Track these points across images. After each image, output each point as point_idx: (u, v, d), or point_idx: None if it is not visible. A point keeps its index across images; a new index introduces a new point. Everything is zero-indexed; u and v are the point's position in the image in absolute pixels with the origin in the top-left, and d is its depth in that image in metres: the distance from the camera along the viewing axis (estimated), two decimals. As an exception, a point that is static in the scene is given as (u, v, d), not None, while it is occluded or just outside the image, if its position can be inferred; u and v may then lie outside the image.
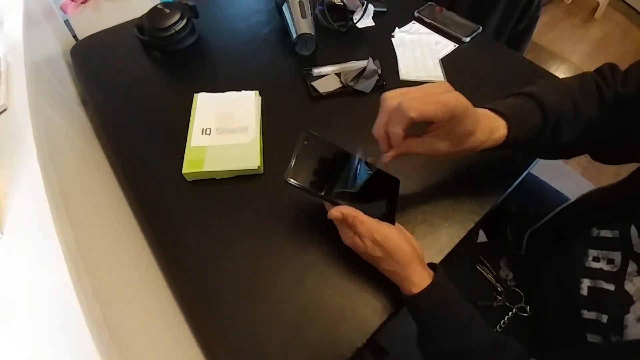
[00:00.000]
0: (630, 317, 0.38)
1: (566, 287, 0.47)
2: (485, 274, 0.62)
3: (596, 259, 0.45)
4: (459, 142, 0.42)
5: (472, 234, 0.54)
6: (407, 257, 0.43)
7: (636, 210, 0.45)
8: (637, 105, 0.43)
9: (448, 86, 0.41)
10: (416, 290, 0.42)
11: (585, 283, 0.44)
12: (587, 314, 0.43)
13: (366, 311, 0.47)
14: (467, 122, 0.40)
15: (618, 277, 0.41)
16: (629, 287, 0.40)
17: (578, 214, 0.55)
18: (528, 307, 0.57)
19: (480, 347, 0.40)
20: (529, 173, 0.62)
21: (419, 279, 0.42)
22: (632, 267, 0.41)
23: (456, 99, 0.39)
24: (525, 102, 0.46)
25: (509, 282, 0.60)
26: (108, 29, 0.82)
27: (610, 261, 0.43)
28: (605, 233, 0.45)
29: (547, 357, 0.43)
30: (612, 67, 0.47)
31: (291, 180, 0.44)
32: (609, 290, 0.42)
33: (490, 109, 0.45)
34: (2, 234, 0.33)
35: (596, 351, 0.41)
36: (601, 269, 0.44)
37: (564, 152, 0.50)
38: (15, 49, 0.53)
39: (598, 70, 0.48)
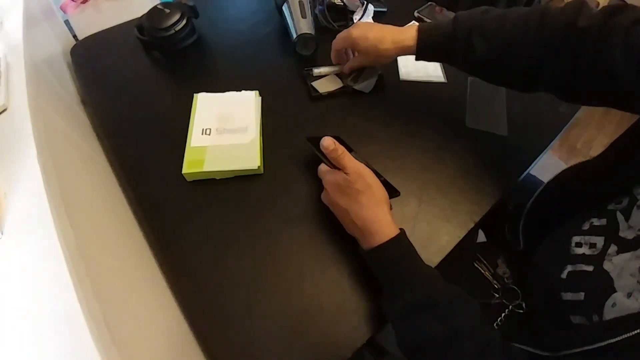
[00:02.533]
0: (610, 300, 0.38)
1: (550, 275, 0.47)
2: (482, 271, 0.62)
3: (579, 245, 0.45)
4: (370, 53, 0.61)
5: (472, 233, 0.54)
6: (383, 197, 0.46)
7: (610, 183, 0.46)
8: (598, 40, 0.42)
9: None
10: (385, 237, 0.43)
11: (567, 269, 0.45)
12: (565, 296, 0.43)
13: (366, 311, 0.47)
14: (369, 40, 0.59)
15: (598, 259, 0.42)
16: (607, 266, 0.40)
17: (559, 194, 0.56)
18: (524, 304, 0.57)
19: (452, 300, 0.41)
20: (528, 173, 0.62)
21: (389, 225, 0.45)
22: (612, 248, 0.41)
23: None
24: (446, 20, 0.54)
25: (506, 280, 0.61)
26: (108, 29, 0.82)
27: (592, 245, 0.44)
28: (594, 221, 0.46)
29: (538, 345, 0.43)
30: (582, 2, 0.46)
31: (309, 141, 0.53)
32: (588, 271, 0.42)
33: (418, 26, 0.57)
34: (2, 234, 0.33)
35: (583, 332, 0.40)
36: (583, 253, 0.44)
37: (499, 71, 0.53)
38: (15, 49, 0.52)
39: (565, 4, 0.47)
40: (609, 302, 0.38)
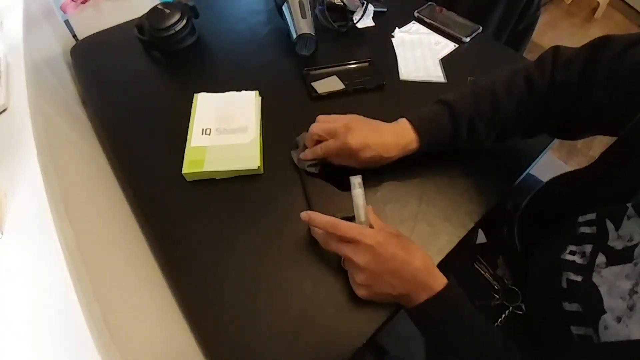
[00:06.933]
0: (602, 322, 0.38)
1: (549, 281, 0.47)
2: (482, 272, 0.62)
3: (572, 253, 0.45)
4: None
5: (472, 234, 0.54)
6: (411, 251, 0.44)
7: (602, 191, 0.46)
8: (580, 86, 0.47)
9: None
10: (430, 293, 0.42)
11: (565, 276, 0.44)
12: (568, 306, 0.43)
13: (366, 311, 0.47)
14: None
15: (587, 269, 0.41)
16: (596, 279, 0.40)
17: (552, 198, 0.56)
18: (523, 305, 0.57)
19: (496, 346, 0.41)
20: (528, 173, 0.62)
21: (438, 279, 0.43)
22: (600, 258, 0.41)
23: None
24: (440, 111, 0.53)
25: (506, 281, 0.60)
26: (108, 29, 0.82)
27: (583, 255, 0.43)
28: (585, 229, 0.46)
29: (539, 357, 0.43)
30: (555, 52, 0.51)
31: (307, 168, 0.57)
32: (578, 281, 0.42)
33: (408, 119, 0.53)
34: (2, 233, 0.33)
35: (584, 343, 0.40)
36: (574, 261, 0.44)
37: (502, 138, 0.55)
38: (15, 49, 0.53)
39: (539, 58, 0.52)
40: (601, 323, 0.37)
